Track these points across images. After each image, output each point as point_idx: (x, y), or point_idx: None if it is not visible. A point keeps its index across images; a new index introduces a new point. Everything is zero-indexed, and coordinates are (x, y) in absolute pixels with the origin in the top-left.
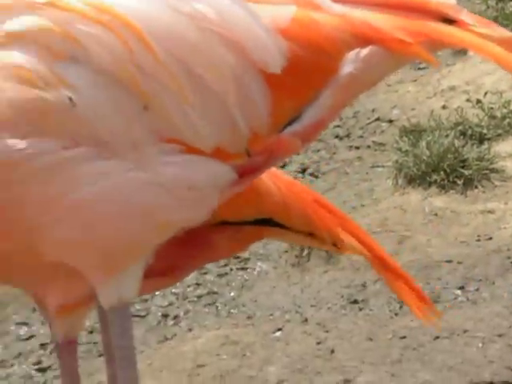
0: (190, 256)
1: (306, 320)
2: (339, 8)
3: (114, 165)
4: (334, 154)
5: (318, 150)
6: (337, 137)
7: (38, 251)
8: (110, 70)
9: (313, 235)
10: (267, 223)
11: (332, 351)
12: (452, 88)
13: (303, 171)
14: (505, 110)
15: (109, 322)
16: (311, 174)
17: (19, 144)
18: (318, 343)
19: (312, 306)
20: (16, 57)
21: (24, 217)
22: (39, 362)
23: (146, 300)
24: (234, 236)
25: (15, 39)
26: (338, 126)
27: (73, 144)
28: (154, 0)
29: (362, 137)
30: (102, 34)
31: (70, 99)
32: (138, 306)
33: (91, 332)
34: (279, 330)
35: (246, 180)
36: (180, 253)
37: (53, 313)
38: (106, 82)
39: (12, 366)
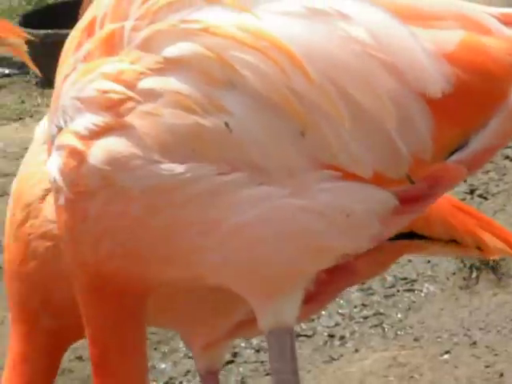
0: (332, 282)
1: (475, 343)
2: (510, 32)
3: (269, 191)
4: (504, 175)
5: (488, 171)
6: (507, 158)
7: (198, 275)
8: (267, 95)
9: (454, 242)
10: (407, 237)
11: (501, 375)
12: None
13: (472, 192)
14: None
15: (268, 344)
16: (480, 196)
17: (177, 168)
18: (487, 366)
19: (480, 328)
20: (174, 83)
21: (184, 240)
22: None
23: (313, 320)
24: (374, 257)
25: (173, 65)
26: (509, 147)
27: (229, 169)
28: (310, 24)
29: None
30: (258, 60)
31: (227, 125)
32: (304, 326)
33: (258, 351)
34: (447, 352)
35: (412, 208)
36: (322, 279)
37: (197, 350)
38: (262, 108)
39: (181, 383)
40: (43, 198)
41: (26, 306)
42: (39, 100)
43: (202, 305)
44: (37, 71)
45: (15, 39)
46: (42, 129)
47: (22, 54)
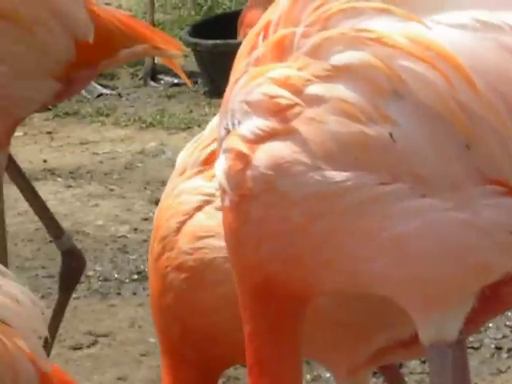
0: (481, 312)
1: None
2: None
3: (430, 203)
4: None
5: None
6: None
7: (359, 284)
8: (432, 107)
9: None
10: None
11: None
12: None
13: None
14: None
15: (428, 358)
16: None
17: (339, 176)
18: None
19: None
20: (341, 90)
21: (344, 248)
22: None
23: (480, 332)
24: None
25: (340, 73)
26: None
27: (390, 179)
28: (479, 36)
29: None
30: (425, 71)
31: (391, 135)
32: (471, 338)
33: (424, 362)
34: None
35: None
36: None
37: (340, 375)
38: (427, 120)
39: None
40: (178, 230)
41: (168, 339)
42: (207, 109)
43: (344, 332)
44: (189, 83)
45: (174, 52)
46: (182, 158)
47: (176, 67)
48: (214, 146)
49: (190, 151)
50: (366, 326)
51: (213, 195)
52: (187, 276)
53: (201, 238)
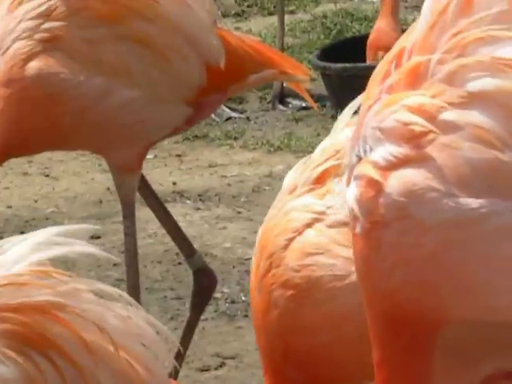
0: None
1: None
2: None
3: None
4: None
5: None
6: None
7: (493, 312)
8: None
9: None
10: None
11: None
12: None
13: None
14: None
15: None
16: None
17: (473, 203)
18: None
19: None
20: (475, 116)
21: (477, 276)
22: None
23: None
24: None
25: (476, 99)
26: None
27: None
28: None
29: None
30: None
31: None
32: None
33: None
34: None
35: None
36: None
37: None
38: None
39: None
40: (286, 247)
41: (271, 358)
42: None
43: (452, 358)
44: (315, 106)
45: (302, 76)
46: (290, 178)
47: (303, 92)
48: (327, 165)
49: (299, 170)
50: (476, 351)
51: (323, 213)
52: (293, 293)
53: (309, 254)
